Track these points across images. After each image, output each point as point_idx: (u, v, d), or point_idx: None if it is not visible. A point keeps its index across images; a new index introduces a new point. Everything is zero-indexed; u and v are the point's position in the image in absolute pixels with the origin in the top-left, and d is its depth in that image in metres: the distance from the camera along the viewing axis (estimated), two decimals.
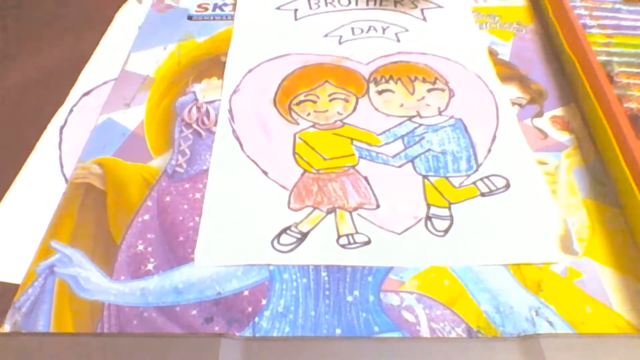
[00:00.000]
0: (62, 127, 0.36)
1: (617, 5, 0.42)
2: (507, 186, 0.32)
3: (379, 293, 0.27)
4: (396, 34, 0.43)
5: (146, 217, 0.30)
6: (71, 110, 0.37)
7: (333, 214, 0.31)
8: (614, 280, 0.28)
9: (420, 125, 0.35)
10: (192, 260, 0.28)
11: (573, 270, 0.28)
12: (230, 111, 0.36)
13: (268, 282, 0.28)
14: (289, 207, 0.31)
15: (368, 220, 0.30)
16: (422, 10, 0.45)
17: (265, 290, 0.27)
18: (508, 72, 0.39)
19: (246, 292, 0.27)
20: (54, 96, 0.37)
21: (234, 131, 0.35)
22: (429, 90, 0.38)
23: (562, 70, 0.40)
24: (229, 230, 0.30)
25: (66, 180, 0.32)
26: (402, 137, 0.35)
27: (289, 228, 0.30)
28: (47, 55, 0.41)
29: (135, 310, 0.26)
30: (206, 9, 0.45)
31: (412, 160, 0.33)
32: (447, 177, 0.32)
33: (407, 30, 0.43)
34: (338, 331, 0.26)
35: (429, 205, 0.31)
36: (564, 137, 0.35)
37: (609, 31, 0.40)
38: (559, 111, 0.37)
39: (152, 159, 0.34)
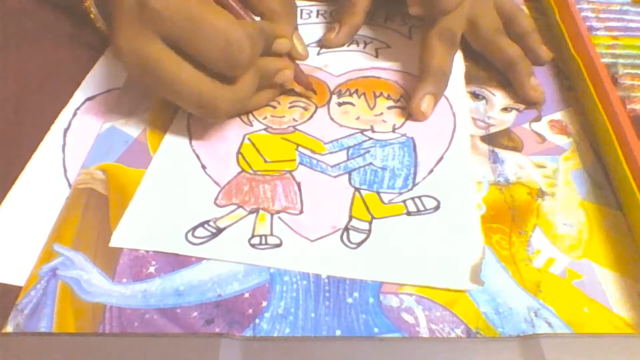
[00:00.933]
0: (65, 130, 0.36)
1: (625, 7, 0.43)
2: (436, 208, 0.31)
3: (379, 295, 0.27)
4: (376, 50, 0.43)
5: None
6: (75, 114, 0.37)
7: (255, 214, 0.31)
8: (613, 281, 0.28)
9: (370, 139, 0.35)
10: (193, 263, 0.29)
11: (572, 272, 0.28)
12: None
13: (268, 284, 0.28)
14: (215, 202, 0.32)
15: (287, 224, 0.31)
16: (410, 28, 0.45)
17: (265, 292, 0.27)
18: (506, 77, 0.40)
19: (247, 294, 0.27)
20: (57, 98, 0.38)
21: (188, 125, 0.36)
22: (390, 107, 0.38)
23: (563, 73, 0.40)
24: (152, 217, 0.31)
25: (69, 184, 0.33)
26: (347, 148, 0.35)
27: (207, 222, 0.30)
28: (49, 56, 0.42)
29: (136, 312, 0.27)
30: None
31: (349, 172, 0.33)
32: (378, 192, 0.32)
33: (389, 46, 0.43)
34: (338, 332, 0.26)
35: (351, 217, 0.31)
36: (562, 140, 0.35)
37: (616, 33, 0.41)
38: (557, 115, 0.37)
39: None
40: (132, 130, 0.36)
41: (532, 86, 0.38)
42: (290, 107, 0.38)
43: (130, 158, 0.34)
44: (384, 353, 0.25)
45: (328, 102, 0.38)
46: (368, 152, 0.35)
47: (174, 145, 0.35)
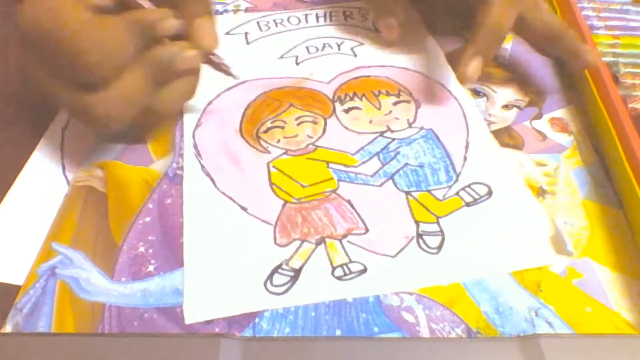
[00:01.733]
0: (64, 129, 0.36)
1: (626, 7, 0.43)
2: (490, 193, 0.31)
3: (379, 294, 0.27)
4: (352, 49, 0.42)
5: (147, 219, 0.31)
6: None
7: (323, 245, 0.29)
8: (613, 280, 0.28)
9: (393, 139, 0.35)
10: None
11: (572, 271, 0.28)
12: (195, 147, 0.34)
13: None
14: (275, 242, 0.29)
15: (359, 246, 0.29)
16: (373, 22, 0.44)
17: None
18: (507, 75, 0.40)
19: None
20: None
21: (203, 167, 0.33)
22: (395, 104, 0.37)
23: (565, 70, 0.40)
24: (217, 279, 0.28)
25: (68, 182, 0.32)
26: (377, 154, 0.34)
27: (280, 267, 0.28)
28: None
29: (136, 311, 0.27)
30: None
31: (392, 177, 0.33)
32: (429, 191, 0.32)
33: (361, 43, 0.42)
34: (338, 332, 0.26)
35: (417, 222, 0.30)
36: (563, 138, 0.35)
37: (616, 32, 0.41)
38: (558, 113, 0.37)
39: (153, 162, 0.34)
40: None
41: (587, 49, 0.35)
42: (298, 124, 0.36)
43: (129, 155, 0.34)
44: (384, 353, 0.25)
45: (334, 112, 0.37)
46: (398, 152, 0.34)
47: (198, 194, 0.32)
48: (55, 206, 0.31)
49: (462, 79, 0.35)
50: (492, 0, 0.35)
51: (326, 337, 0.25)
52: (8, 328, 0.26)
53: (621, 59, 0.38)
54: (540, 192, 0.32)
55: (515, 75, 0.40)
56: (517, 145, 0.35)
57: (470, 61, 0.35)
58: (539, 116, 0.37)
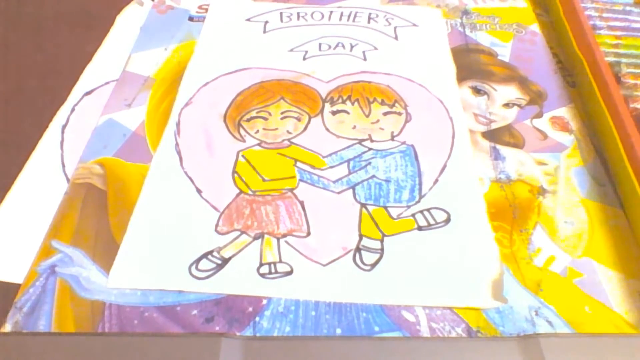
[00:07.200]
0: (64, 126, 0.36)
1: (628, 8, 0.43)
2: (447, 221, 0.30)
3: None
4: (363, 52, 0.41)
5: None
6: (73, 110, 0.37)
7: (260, 240, 0.29)
8: (614, 280, 0.28)
9: (370, 149, 0.34)
10: None
11: (573, 270, 0.28)
12: (178, 124, 0.35)
13: None
14: (216, 229, 0.30)
15: (295, 248, 0.29)
16: (395, 28, 0.44)
17: None
18: (508, 73, 0.39)
19: None
20: (56, 95, 0.38)
21: (177, 145, 0.34)
22: (385, 114, 0.36)
23: (566, 69, 0.40)
24: (150, 251, 0.29)
25: (68, 180, 0.32)
26: (348, 160, 0.33)
27: (210, 253, 0.29)
28: (48, 54, 0.41)
29: (136, 310, 0.26)
30: (207, 10, 0.45)
31: (353, 187, 0.32)
32: (386, 207, 0.31)
33: (375, 48, 0.42)
34: (338, 331, 0.26)
35: (361, 236, 0.30)
36: (563, 137, 0.35)
37: (619, 32, 0.40)
38: (558, 112, 0.37)
39: (153, 158, 0.34)
40: (130, 122, 0.36)
41: None
42: (282, 119, 0.36)
43: (128, 152, 0.34)
44: (384, 352, 0.25)
45: (321, 111, 0.36)
46: (369, 163, 0.33)
47: (163, 169, 0.33)
48: (55, 204, 0.31)
49: None
50: None
51: (326, 336, 0.25)
52: (8, 327, 0.26)
53: (623, 60, 0.38)
54: (541, 192, 0.32)
55: (516, 74, 0.40)
56: (518, 144, 0.35)
57: None
58: (539, 115, 0.37)
